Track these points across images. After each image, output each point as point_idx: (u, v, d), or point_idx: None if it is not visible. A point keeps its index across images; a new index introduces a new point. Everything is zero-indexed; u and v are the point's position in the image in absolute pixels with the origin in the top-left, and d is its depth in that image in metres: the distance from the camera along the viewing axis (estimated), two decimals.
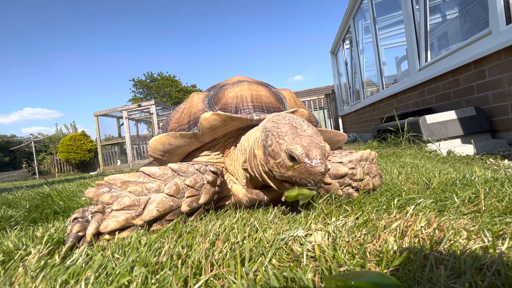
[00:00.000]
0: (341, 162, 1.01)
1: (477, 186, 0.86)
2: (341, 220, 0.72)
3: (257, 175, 0.90)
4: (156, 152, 1.09)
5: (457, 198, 0.80)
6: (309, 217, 0.78)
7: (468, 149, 2.55)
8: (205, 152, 1.10)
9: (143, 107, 11.06)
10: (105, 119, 12.26)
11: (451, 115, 2.74)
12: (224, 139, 1.11)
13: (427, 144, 2.73)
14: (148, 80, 25.08)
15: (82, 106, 74.35)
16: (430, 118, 2.77)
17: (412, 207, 0.75)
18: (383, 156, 2.42)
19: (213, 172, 0.92)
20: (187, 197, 0.84)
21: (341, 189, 0.97)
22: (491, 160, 2.11)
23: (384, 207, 0.80)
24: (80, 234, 0.75)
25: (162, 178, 0.84)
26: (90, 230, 0.74)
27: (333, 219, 0.73)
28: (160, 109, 11.86)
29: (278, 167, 0.79)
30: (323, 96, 11.31)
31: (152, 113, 11.02)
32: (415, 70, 4.09)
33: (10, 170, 16.22)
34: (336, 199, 0.95)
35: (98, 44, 59.45)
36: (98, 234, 0.76)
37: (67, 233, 0.76)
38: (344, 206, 0.86)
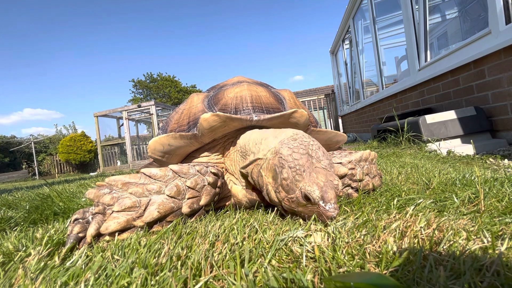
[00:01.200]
0: (340, 163, 1.00)
1: (477, 186, 0.86)
2: (341, 221, 0.72)
3: (259, 187, 0.88)
4: (156, 153, 1.09)
5: (457, 199, 0.80)
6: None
7: (468, 149, 2.55)
8: (205, 153, 1.10)
9: (143, 108, 11.07)
10: (105, 120, 12.27)
11: (451, 115, 2.74)
12: (223, 140, 1.11)
13: (427, 144, 2.74)
14: (147, 81, 25.10)
15: (82, 106, 74.36)
16: (430, 118, 2.77)
17: (412, 207, 0.75)
18: (383, 156, 2.42)
19: (214, 174, 0.92)
20: (188, 198, 0.84)
21: (341, 190, 0.96)
22: (491, 160, 2.11)
23: (384, 207, 0.80)
24: (80, 235, 0.75)
25: (163, 180, 0.84)
26: (91, 231, 0.75)
27: None
28: (160, 109, 11.87)
29: (289, 201, 0.78)
30: (323, 96, 11.32)
31: (152, 114, 11.02)
32: (415, 70, 4.09)
33: (10, 171, 16.21)
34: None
35: (98, 44, 59.51)
36: (98, 235, 0.76)
37: (67, 234, 0.75)
38: (343, 206, 0.85)
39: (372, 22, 5.82)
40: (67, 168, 16.33)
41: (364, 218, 0.71)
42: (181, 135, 1.02)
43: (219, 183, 0.94)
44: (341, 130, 10.32)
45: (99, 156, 11.87)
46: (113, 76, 63.18)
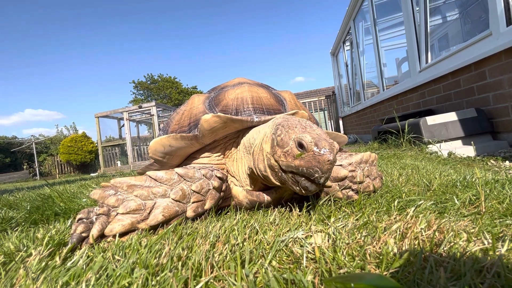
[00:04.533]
0: (341, 165, 1.00)
1: (478, 187, 0.86)
2: (341, 222, 0.72)
3: (260, 174, 0.90)
4: (157, 153, 1.10)
5: (458, 200, 0.80)
6: (309, 217, 0.78)
7: (469, 151, 2.55)
8: (206, 154, 1.10)
9: (143, 109, 11.09)
10: (106, 121, 12.30)
11: (451, 116, 2.74)
12: (224, 141, 1.11)
13: (428, 146, 2.73)
14: (148, 82, 25.14)
15: (83, 107, 74.57)
16: (431, 120, 2.77)
17: (412, 209, 0.75)
18: (384, 158, 2.42)
19: (220, 178, 0.92)
20: (193, 202, 0.85)
21: (341, 192, 0.97)
22: (492, 161, 2.11)
23: (384, 208, 0.80)
24: (83, 235, 0.75)
25: (168, 183, 0.84)
26: (94, 231, 0.75)
27: (333, 219, 0.73)
28: (161, 110, 11.89)
29: (285, 155, 0.78)
30: (324, 98, 11.32)
31: (153, 115, 11.04)
32: (416, 72, 4.09)
33: (11, 172, 16.23)
34: (336, 201, 0.95)
35: (99, 45, 59.73)
36: (101, 237, 0.77)
37: (71, 233, 0.76)
38: (344, 208, 0.85)
39: (373, 24, 5.83)
40: (68, 168, 16.35)
41: (365, 219, 0.71)
42: (182, 136, 1.02)
43: (223, 187, 0.94)
44: (342, 132, 10.31)
45: (100, 157, 11.89)
46: (114, 77, 63.40)
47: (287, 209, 0.94)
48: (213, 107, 1.12)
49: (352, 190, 0.99)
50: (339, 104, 10.46)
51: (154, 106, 11.00)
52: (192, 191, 0.85)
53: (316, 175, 0.73)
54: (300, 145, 0.76)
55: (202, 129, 0.97)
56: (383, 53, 6.04)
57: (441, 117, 2.76)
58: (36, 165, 16.04)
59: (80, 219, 0.78)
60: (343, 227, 0.68)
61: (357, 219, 0.73)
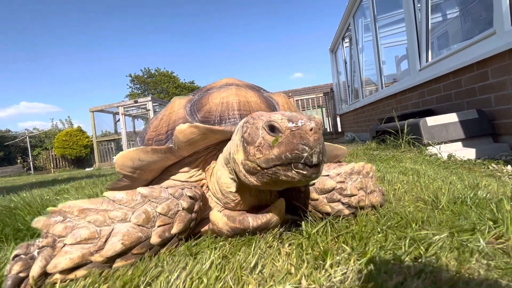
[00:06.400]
0: (328, 175, 0.89)
1: (491, 206, 0.77)
2: (340, 267, 0.59)
3: (247, 183, 0.76)
4: (125, 169, 0.95)
5: (482, 240, 0.63)
6: (300, 257, 0.65)
7: (469, 153, 2.48)
8: (185, 168, 0.97)
9: (139, 103, 10.92)
10: (101, 115, 12.12)
11: (452, 117, 2.67)
12: (206, 153, 0.98)
13: (427, 147, 2.66)
14: (145, 76, 24.81)
15: (79, 101, 73.73)
16: (431, 120, 2.70)
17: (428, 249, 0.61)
18: (383, 160, 2.34)
19: (190, 197, 0.81)
20: (159, 226, 0.73)
21: (329, 205, 0.87)
22: (494, 165, 2.04)
23: (391, 245, 0.65)
24: (21, 275, 0.62)
25: (129, 205, 0.73)
26: (35, 270, 0.61)
27: (329, 261, 0.60)
28: (157, 105, 11.71)
29: (260, 151, 0.65)
30: (322, 95, 11.22)
31: (149, 110, 10.88)
32: (416, 70, 4.01)
33: (4, 166, 15.99)
34: (333, 228, 0.82)
35: (96, 38, 58.83)
36: (45, 274, 0.64)
37: (5, 273, 0.62)
38: (342, 237, 0.73)
39: (373, 20, 5.72)
40: (63, 163, 16.15)
41: (370, 267, 0.57)
42: (153, 149, 0.88)
43: (196, 208, 0.81)
44: (339, 129, 10.24)
45: (95, 152, 11.73)
46: (111, 71, 62.65)
47: (276, 238, 0.81)
48: (195, 113, 0.99)
49: (343, 204, 0.88)
50: (337, 101, 10.37)
51: (150, 101, 10.83)
52: (157, 214, 0.73)
53: (305, 154, 0.60)
54: (272, 129, 0.64)
55: (177, 141, 0.85)
56: (383, 50, 5.94)
57: (442, 118, 2.69)
58: (30, 159, 15.82)
59: (16, 255, 0.65)
60: (343, 280, 0.55)
61: (359, 262, 0.60)
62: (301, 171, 0.62)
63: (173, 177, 0.97)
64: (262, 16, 78.25)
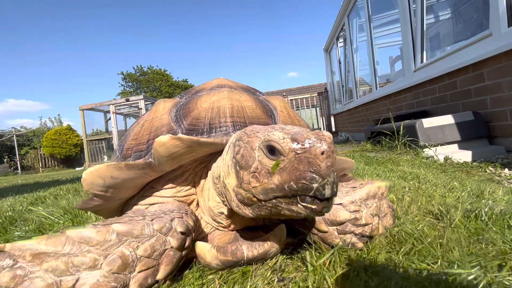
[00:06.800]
0: (340, 204, 0.74)
1: (510, 222, 0.71)
2: None
3: (237, 211, 0.64)
4: (95, 188, 0.76)
5: None
6: None
7: (466, 156, 2.47)
8: (169, 185, 0.81)
9: (131, 102, 10.70)
10: (92, 113, 11.85)
11: (448, 119, 2.65)
12: (193, 166, 0.83)
13: (423, 149, 2.64)
14: (138, 74, 24.39)
15: (69, 98, 72.26)
16: (427, 122, 2.68)
17: None
18: (380, 163, 2.31)
19: (182, 233, 0.66)
20: (139, 272, 0.58)
21: (341, 238, 0.74)
22: (491, 168, 2.02)
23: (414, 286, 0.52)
24: None
25: (101, 247, 0.56)
26: None
27: None
28: (150, 104, 11.50)
29: (256, 178, 0.53)
30: (316, 94, 11.21)
31: (141, 108, 10.68)
32: (410, 71, 4.00)
33: None
34: (341, 255, 0.71)
35: (87, 35, 57.69)
36: None
37: None
38: (354, 270, 0.61)
39: (368, 20, 5.71)
40: (52, 162, 15.76)
41: None
42: (127, 165, 0.71)
43: (187, 243, 0.66)
44: (333, 129, 10.24)
45: (85, 151, 11.46)
46: (103, 68, 61.55)
47: (276, 271, 0.68)
48: (180, 120, 0.84)
49: (355, 235, 0.74)
50: (331, 101, 10.37)
51: (142, 99, 10.62)
52: (138, 257, 0.58)
53: (315, 184, 0.47)
54: (271, 150, 0.52)
55: (158, 155, 0.70)
56: (377, 50, 5.94)
57: (438, 120, 2.67)
58: (18, 158, 15.38)
59: None
60: None
61: None
62: (309, 206, 0.49)
63: (156, 193, 0.82)
64: (257, 15, 78.10)
